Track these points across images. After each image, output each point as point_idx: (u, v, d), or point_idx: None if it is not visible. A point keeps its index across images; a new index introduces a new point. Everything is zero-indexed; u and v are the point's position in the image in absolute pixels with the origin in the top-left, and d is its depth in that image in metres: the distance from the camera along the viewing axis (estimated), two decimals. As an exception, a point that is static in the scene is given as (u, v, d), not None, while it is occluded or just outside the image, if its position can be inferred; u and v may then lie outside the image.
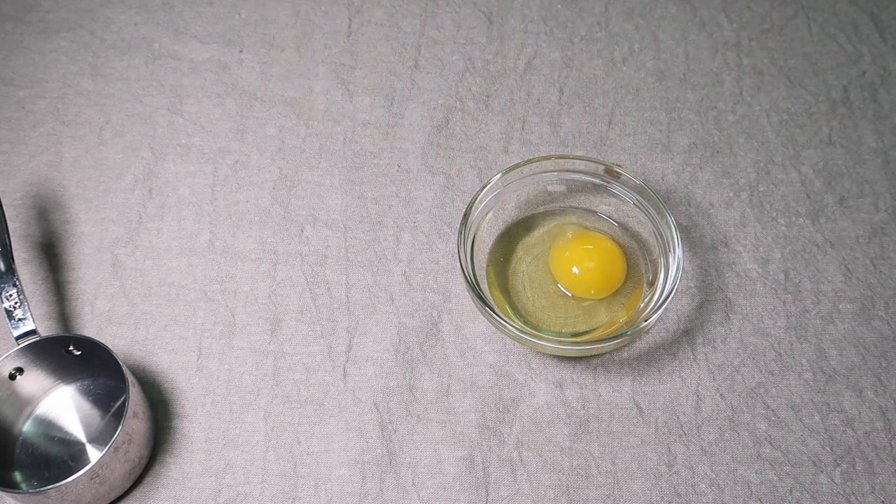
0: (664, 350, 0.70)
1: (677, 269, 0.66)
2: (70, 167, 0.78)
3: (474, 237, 0.71)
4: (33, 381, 0.65)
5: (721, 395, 0.67)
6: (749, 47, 0.85)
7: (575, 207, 0.75)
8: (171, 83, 0.83)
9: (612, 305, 0.70)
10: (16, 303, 0.64)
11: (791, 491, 0.64)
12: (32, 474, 0.63)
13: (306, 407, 0.67)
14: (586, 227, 0.74)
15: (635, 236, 0.73)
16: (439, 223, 0.76)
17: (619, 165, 0.72)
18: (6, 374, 0.63)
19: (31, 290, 0.72)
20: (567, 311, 0.70)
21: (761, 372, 0.68)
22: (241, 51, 0.85)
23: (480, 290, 0.67)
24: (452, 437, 0.66)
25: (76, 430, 0.65)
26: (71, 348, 0.65)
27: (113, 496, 0.63)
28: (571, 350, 0.65)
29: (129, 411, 0.60)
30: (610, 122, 0.81)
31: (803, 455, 0.65)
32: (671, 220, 0.68)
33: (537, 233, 0.74)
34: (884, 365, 0.69)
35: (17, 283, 0.65)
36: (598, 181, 0.73)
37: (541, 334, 0.67)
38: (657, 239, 0.71)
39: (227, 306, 0.72)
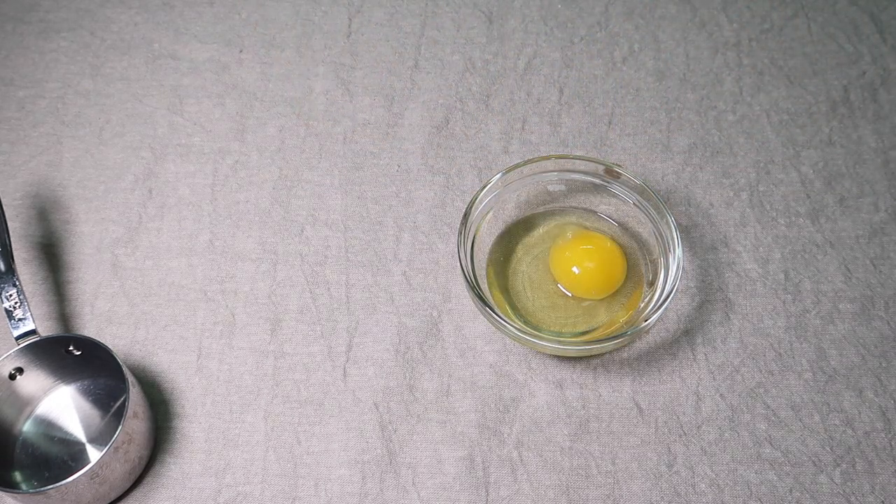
0: (664, 350, 0.70)
1: (677, 269, 0.66)
2: (70, 167, 0.78)
3: (474, 237, 0.71)
4: (33, 381, 0.65)
5: (721, 395, 0.67)
6: (749, 47, 0.85)
7: (575, 207, 0.75)
8: (171, 83, 0.83)
9: (612, 305, 0.70)
10: (16, 303, 0.64)
11: (791, 491, 0.64)
12: (32, 474, 0.63)
13: (306, 407, 0.67)
14: (586, 227, 0.74)
15: (635, 236, 0.73)
16: (439, 223, 0.76)
17: (619, 165, 0.72)
18: (6, 374, 0.63)
19: (31, 290, 0.72)
20: (567, 311, 0.70)
21: (761, 372, 0.68)
22: (241, 51, 0.85)
23: (480, 290, 0.67)
24: (452, 437, 0.66)
25: (76, 430, 0.65)
26: (71, 348, 0.65)
27: (113, 496, 0.63)
28: (571, 350, 0.65)
29: (129, 411, 0.60)
30: (610, 122, 0.81)
31: (803, 455, 0.65)
32: (671, 220, 0.68)
33: (537, 233, 0.74)
34: (884, 365, 0.69)
35: (17, 283, 0.65)
36: (598, 181, 0.73)
37: (541, 334, 0.67)
38: (657, 239, 0.71)
39: (227, 306, 0.72)
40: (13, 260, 0.66)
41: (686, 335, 0.70)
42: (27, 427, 0.66)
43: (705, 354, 0.69)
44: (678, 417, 0.67)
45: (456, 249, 0.72)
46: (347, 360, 0.69)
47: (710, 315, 0.71)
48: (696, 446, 0.65)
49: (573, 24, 0.87)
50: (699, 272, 0.73)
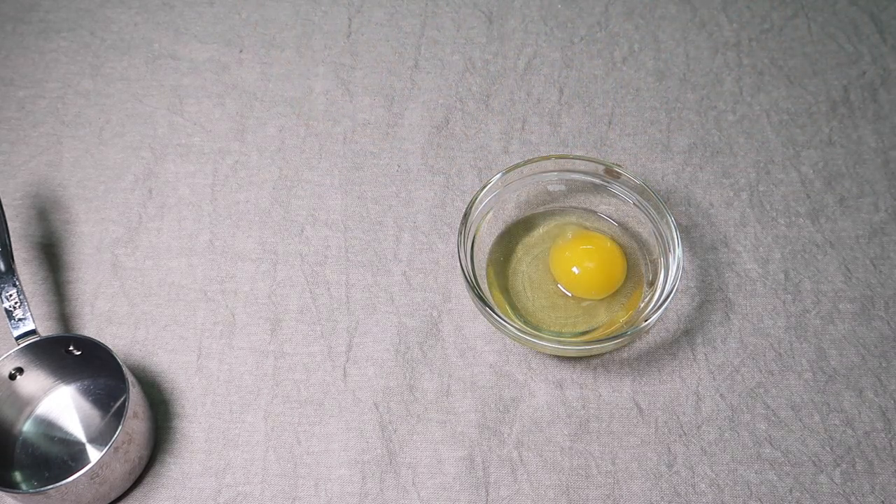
0: (664, 350, 0.70)
1: (677, 269, 0.66)
2: (70, 167, 0.78)
3: (474, 237, 0.71)
4: (33, 381, 0.65)
5: (721, 395, 0.67)
6: (749, 47, 0.85)
7: (575, 207, 0.75)
8: (171, 83, 0.83)
9: (612, 305, 0.70)
10: (16, 303, 0.64)
11: (791, 491, 0.64)
12: (32, 474, 0.63)
13: (306, 407, 0.67)
14: (586, 227, 0.74)
15: (635, 236, 0.73)
16: (439, 223, 0.76)
17: (619, 165, 0.72)
18: (6, 374, 0.63)
19: (31, 290, 0.72)
20: (567, 311, 0.70)
21: (761, 372, 0.68)
22: (241, 51, 0.85)
23: (480, 290, 0.67)
24: (452, 437, 0.66)
25: (76, 430, 0.65)
26: (71, 348, 0.65)
27: (113, 496, 0.63)
28: (571, 350, 0.65)
29: (129, 411, 0.60)
30: (610, 122, 0.81)
31: (803, 455, 0.65)
32: (671, 220, 0.68)
33: (537, 233, 0.74)
34: (884, 365, 0.69)
35: (17, 283, 0.65)
36: (598, 181, 0.73)
37: (541, 334, 0.67)
38: (657, 239, 0.71)
39: (227, 306, 0.72)
40: (13, 260, 0.66)
41: (686, 335, 0.70)
42: (27, 427, 0.66)
43: (705, 354, 0.69)
44: (678, 417, 0.67)
45: (456, 249, 0.72)
46: (347, 360, 0.69)
47: (710, 315, 0.71)
48: (696, 446, 0.65)
49: (573, 24, 0.87)
50: (699, 272, 0.73)
